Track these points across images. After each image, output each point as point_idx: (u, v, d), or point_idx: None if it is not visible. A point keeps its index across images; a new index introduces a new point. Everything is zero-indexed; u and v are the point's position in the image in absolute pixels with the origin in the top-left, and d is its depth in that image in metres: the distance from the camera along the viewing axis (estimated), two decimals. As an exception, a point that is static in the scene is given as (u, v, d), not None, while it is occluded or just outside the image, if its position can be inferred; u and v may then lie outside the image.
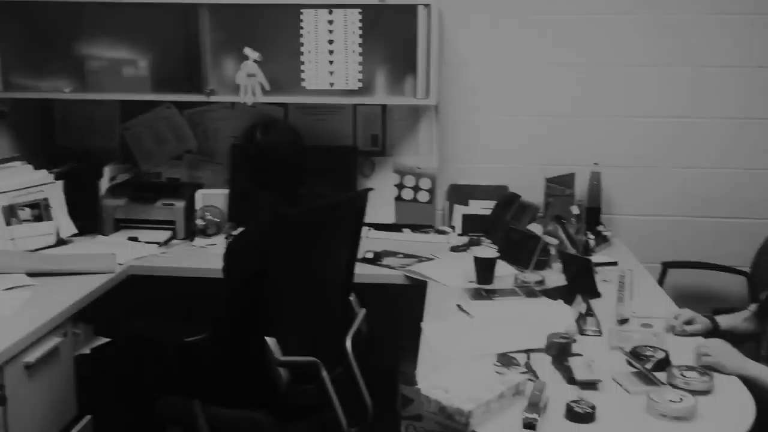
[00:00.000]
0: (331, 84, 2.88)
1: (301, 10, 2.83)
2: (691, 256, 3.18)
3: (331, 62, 2.86)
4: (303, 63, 2.86)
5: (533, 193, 3.08)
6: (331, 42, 2.84)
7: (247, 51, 2.81)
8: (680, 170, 3.18)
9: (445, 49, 3.13)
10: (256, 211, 2.41)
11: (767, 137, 3.11)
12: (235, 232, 2.72)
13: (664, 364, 1.81)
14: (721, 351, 1.88)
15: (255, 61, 2.82)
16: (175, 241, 2.96)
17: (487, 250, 2.58)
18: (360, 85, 2.88)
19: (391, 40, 2.86)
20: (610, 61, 3.14)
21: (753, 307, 2.14)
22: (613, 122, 3.18)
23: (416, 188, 3.22)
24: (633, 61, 3.13)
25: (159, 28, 2.92)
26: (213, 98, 2.91)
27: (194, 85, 2.90)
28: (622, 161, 3.19)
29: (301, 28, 2.84)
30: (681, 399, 1.61)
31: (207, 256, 2.76)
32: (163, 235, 2.96)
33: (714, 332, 2.09)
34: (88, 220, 2.99)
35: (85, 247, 2.81)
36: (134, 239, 2.92)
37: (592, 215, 3.07)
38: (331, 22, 2.83)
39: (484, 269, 2.47)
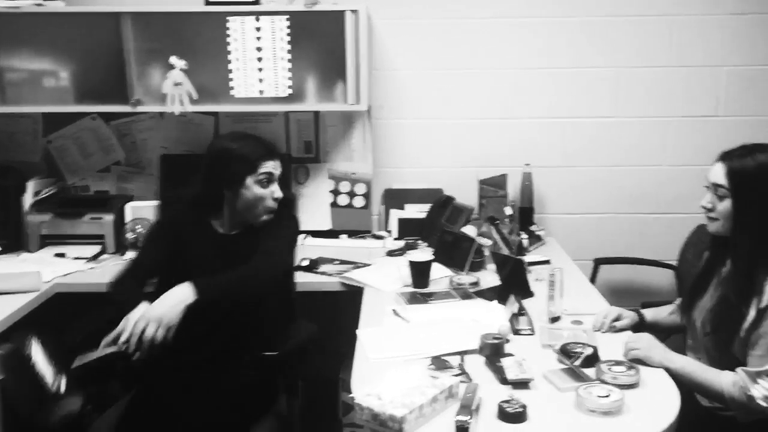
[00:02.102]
0: (261, 92, 2.85)
1: (228, 18, 2.79)
2: (622, 252, 3.26)
3: (260, 69, 2.83)
4: (231, 71, 2.82)
5: (467, 195, 3.11)
6: (259, 49, 2.81)
7: (173, 60, 2.76)
8: (608, 168, 3.26)
9: (376, 54, 3.14)
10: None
11: (689, 134, 3.21)
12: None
13: (593, 360, 1.84)
14: (648, 345, 1.93)
15: (181, 69, 2.77)
16: (105, 256, 2.88)
17: (423, 253, 2.59)
18: (290, 92, 2.86)
19: (321, 46, 2.85)
20: (538, 63, 3.20)
21: (679, 300, 2.19)
22: (543, 123, 3.24)
23: (351, 194, 3.22)
24: (560, 63, 3.19)
25: (81, 38, 2.84)
26: (139, 108, 2.85)
27: (120, 96, 2.83)
28: (553, 161, 3.25)
29: (228, 35, 2.80)
30: (609, 394, 1.64)
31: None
32: (92, 250, 2.88)
33: (641, 326, 2.14)
34: (12, 237, 2.89)
35: (8, 265, 2.70)
36: (61, 255, 2.83)
37: (525, 215, 3.12)
38: (258, 29, 2.80)
39: (419, 273, 2.48)
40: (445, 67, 3.21)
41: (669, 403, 1.68)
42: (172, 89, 2.77)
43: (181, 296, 1.92)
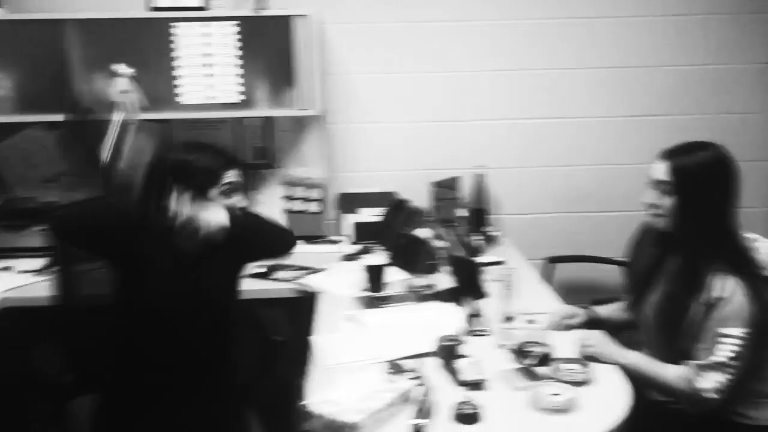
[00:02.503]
0: (211, 98, 2.81)
1: (175, 24, 2.75)
2: (575, 250, 3.31)
3: (210, 75, 2.80)
4: (180, 77, 2.78)
5: (421, 198, 3.12)
6: (208, 55, 2.78)
7: (118, 67, 2.70)
8: (559, 168, 3.31)
9: (328, 58, 3.13)
10: None
11: (635, 134, 3.28)
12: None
13: (547, 358, 1.86)
14: (600, 342, 1.96)
15: (129, 76, 2.71)
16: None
17: (378, 257, 2.58)
18: (242, 97, 2.83)
19: (271, 51, 2.83)
20: (488, 66, 3.23)
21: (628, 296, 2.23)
22: (495, 125, 3.28)
23: (306, 199, 3.20)
24: (509, 65, 3.23)
25: (23, 46, 2.77)
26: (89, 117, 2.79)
27: (65, 104, 2.77)
28: (505, 163, 3.29)
29: (175, 41, 2.76)
30: (562, 392, 1.66)
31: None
32: (40, 262, 2.80)
33: (593, 323, 2.17)
34: (-45, 252, 2.80)
35: (-49, 281, 2.62)
36: (7, 269, 2.75)
37: (479, 216, 3.14)
38: (206, 34, 2.77)
39: (374, 277, 2.47)
40: (398, 71, 3.22)
41: (620, 398, 1.71)
42: (119, 97, 2.72)
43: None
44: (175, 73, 2.78)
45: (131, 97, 2.71)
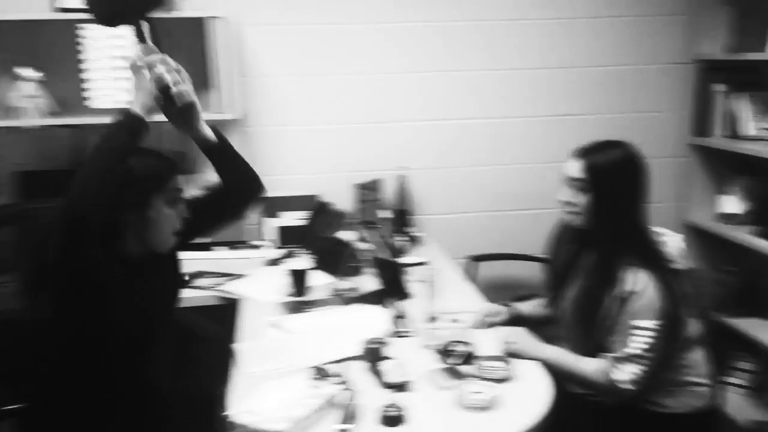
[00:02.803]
0: (123, 102, 2.71)
1: (82, 25, 2.65)
2: (497, 248, 3.37)
3: (121, 79, 2.70)
4: (89, 81, 2.68)
5: (344, 200, 3.11)
6: (118, 58, 2.69)
7: (23, 71, 2.59)
8: (479, 168, 3.36)
9: (246, 61, 3.08)
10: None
11: (551, 133, 3.36)
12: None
13: (470, 357, 1.88)
14: (521, 338, 2.00)
15: (35, 81, 2.60)
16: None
17: (302, 261, 2.56)
18: (155, 101, 2.74)
19: (187, 53, 2.75)
20: (408, 67, 3.25)
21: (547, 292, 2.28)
22: (416, 126, 3.30)
23: (226, 204, 3.13)
24: (429, 67, 3.26)
25: None
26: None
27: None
28: (427, 163, 3.31)
29: (84, 44, 2.66)
30: (485, 389, 1.67)
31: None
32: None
33: (515, 320, 2.21)
34: None
35: None
36: None
37: (402, 218, 3.15)
38: (116, 36, 2.67)
39: (298, 281, 2.44)
40: (318, 73, 3.20)
41: (542, 392, 1.75)
42: (25, 102, 2.60)
43: None
44: (84, 76, 2.68)
45: (38, 102, 2.60)
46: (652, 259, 1.94)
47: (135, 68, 1.74)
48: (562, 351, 2.00)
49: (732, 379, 3.10)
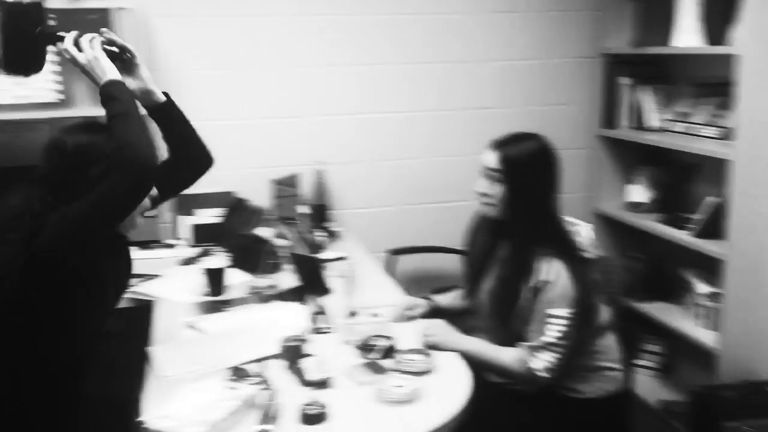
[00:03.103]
0: (23, 97, 2.58)
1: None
2: (416, 241, 3.39)
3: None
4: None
5: (261, 197, 3.06)
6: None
7: None
8: (397, 162, 3.37)
9: (155, 54, 2.98)
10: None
11: (466, 125, 3.40)
12: None
13: (390, 351, 1.88)
14: (441, 330, 2.01)
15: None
16: None
17: (218, 259, 2.49)
18: (60, 96, 2.62)
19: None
20: (324, 61, 3.22)
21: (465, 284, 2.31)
22: (332, 120, 3.27)
23: (138, 203, 3.02)
24: (344, 60, 3.24)
25: None
26: None
27: None
28: (345, 158, 3.29)
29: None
30: (406, 383, 1.68)
31: None
32: None
33: (435, 312, 2.23)
34: None
35: None
36: None
37: (320, 213, 3.12)
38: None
39: (214, 280, 2.38)
40: (232, 67, 3.13)
41: (462, 383, 1.76)
42: None
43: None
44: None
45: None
46: (565, 248, 1.99)
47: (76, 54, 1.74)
48: (481, 342, 2.03)
49: (641, 362, 3.23)
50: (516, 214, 2.01)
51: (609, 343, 2.11)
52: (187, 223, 3.02)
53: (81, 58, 1.73)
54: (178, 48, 3.05)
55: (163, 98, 1.91)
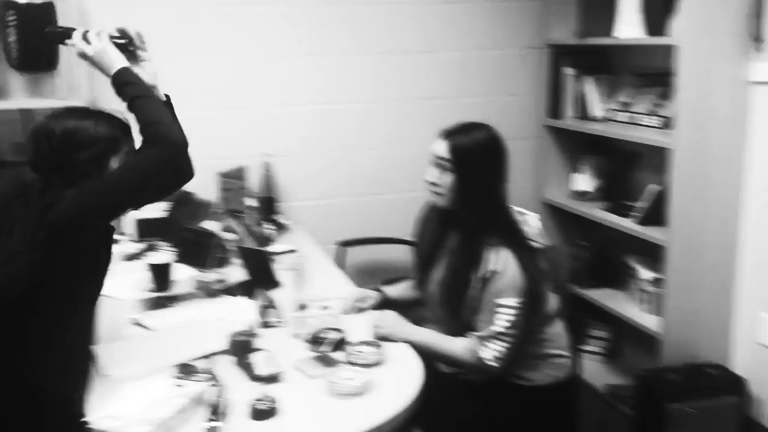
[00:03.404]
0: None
1: None
2: (366, 233, 3.38)
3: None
4: None
5: (207, 190, 3.00)
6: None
7: None
8: (346, 153, 3.35)
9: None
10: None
11: (416, 116, 3.40)
12: None
13: (341, 343, 1.87)
14: (391, 322, 2.01)
15: None
16: None
17: (164, 254, 2.44)
18: (-7, 87, 2.52)
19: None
20: (270, 52, 3.18)
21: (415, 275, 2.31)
22: (280, 112, 3.24)
23: (79, 197, 2.94)
24: (292, 51, 3.21)
25: None
26: None
27: None
28: (293, 149, 3.26)
29: None
30: (357, 375, 1.67)
31: None
32: None
33: (385, 304, 2.22)
34: None
35: None
36: None
37: (269, 205, 3.09)
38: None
39: (159, 275, 2.33)
40: (174, 56, 3.05)
41: (413, 375, 1.76)
42: None
43: None
44: None
45: None
46: (513, 238, 2.00)
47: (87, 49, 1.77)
48: (431, 332, 2.04)
49: (588, 348, 3.29)
50: (465, 203, 2.02)
51: (557, 330, 2.14)
52: (130, 218, 2.94)
53: (89, 50, 1.76)
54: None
55: (164, 98, 1.92)
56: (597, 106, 3.28)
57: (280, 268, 2.46)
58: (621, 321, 3.02)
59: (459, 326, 2.01)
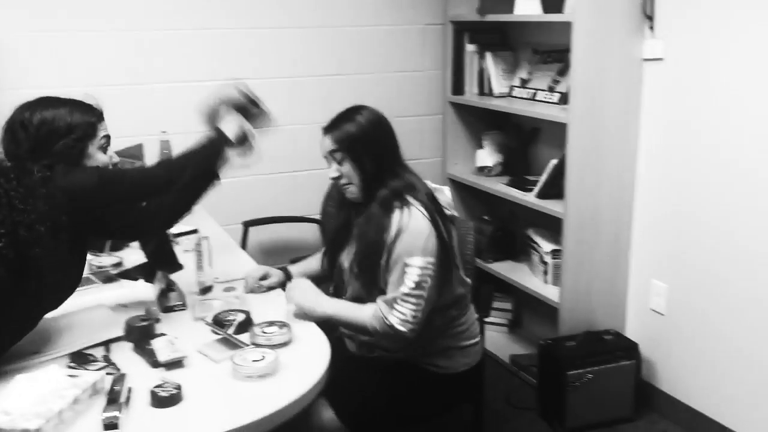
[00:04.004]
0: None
1: None
2: (270, 212, 3.32)
3: None
4: None
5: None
6: None
7: None
8: (247, 130, 3.26)
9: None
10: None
11: (320, 93, 3.35)
12: None
13: (246, 325, 1.83)
14: (303, 289, 1.96)
15: None
16: None
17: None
18: None
19: None
20: (166, 25, 3.05)
21: (323, 250, 2.28)
22: (175, 88, 3.12)
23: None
24: (188, 24, 3.09)
25: None
26: None
27: None
28: (191, 127, 3.12)
29: None
30: (263, 356, 1.63)
31: None
32: None
33: (288, 281, 2.18)
34: None
35: None
36: None
37: (168, 185, 2.97)
38: None
39: (51, 261, 2.21)
40: (65, 29, 2.89)
41: (320, 354, 1.74)
42: None
43: None
44: None
45: None
46: (419, 197, 1.96)
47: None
48: (339, 302, 2.00)
49: (492, 319, 3.37)
50: (373, 181, 1.99)
51: (471, 318, 2.14)
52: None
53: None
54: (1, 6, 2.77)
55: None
56: (498, 82, 3.33)
57: (181, 250, 2.38)
58: (523, 293, 3.11)
59: (376, 296, 1.96)
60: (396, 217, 1.93)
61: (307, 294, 1.97)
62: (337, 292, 2.14)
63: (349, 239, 2.11)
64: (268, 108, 2.02)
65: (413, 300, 1.89)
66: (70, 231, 1.64)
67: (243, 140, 1.98)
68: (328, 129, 2.03)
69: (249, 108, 2.02)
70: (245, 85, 2.01)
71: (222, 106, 2.00)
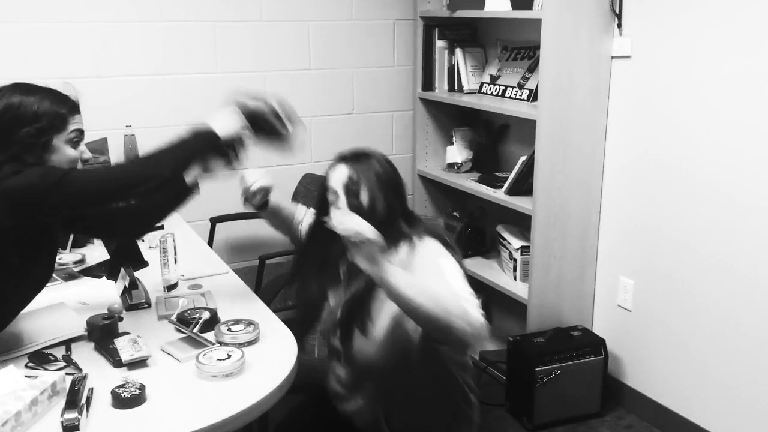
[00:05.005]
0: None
1: None
2: (238, 208, 3.26)
3: None
4: None
5: (64, 164, 2.80)
6: None
7: None
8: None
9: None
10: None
11: (292, 88, 3.32)
12: None
13: (212, 323, 1.79)
14: (372, 252, 1.54)
15: None
16: None
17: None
18: None
19: None
20: (128, 17, 2.99)
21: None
22: (141, 81, 3.06)
23: None
24: (151, 17, 3.03)
25: None
26: None
27: None
28: (156, 121, 3.09)
29: None
30: (229, 355, 1.60)
31: None
32: None
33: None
34: None
35: None
36: None
37: (133, 180, 2.92)
38: None
39: (10, 258, 2.15)
40: (21, 20, 2.80)
41: (287, 353, 1.71)
42: None
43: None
44: None
45: None
46: (431, 230, 1.79)
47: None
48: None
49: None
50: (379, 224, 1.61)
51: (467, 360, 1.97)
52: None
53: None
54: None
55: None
56: (468, 78, 3.33)
57: (145, 246, 2.34)
58: (492, 289, 3.11)
59: None
60: (403, 249, 1.73)
61: (375, 255, 1.53)
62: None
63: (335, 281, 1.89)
64: (295, 131, 1.80)
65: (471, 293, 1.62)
66: (18, 236, 1.56)
67: (231, 146, 1.78)
68: (347, 159, 1.82)
69: (273, 124, 1.79)
70: (283, 99, 1.82)
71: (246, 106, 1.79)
